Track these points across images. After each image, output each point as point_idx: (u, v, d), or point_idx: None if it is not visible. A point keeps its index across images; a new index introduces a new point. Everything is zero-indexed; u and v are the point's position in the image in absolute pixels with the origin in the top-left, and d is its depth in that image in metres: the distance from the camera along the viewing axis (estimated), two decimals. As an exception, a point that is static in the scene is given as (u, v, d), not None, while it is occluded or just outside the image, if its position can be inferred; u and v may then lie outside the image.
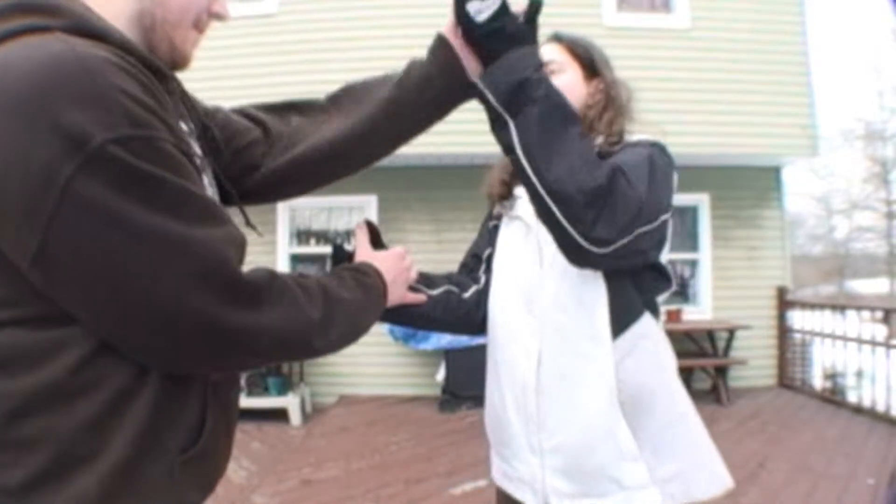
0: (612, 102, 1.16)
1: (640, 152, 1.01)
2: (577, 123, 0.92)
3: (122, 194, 0.54)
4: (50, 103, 0.52)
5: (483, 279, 1.26)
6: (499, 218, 1.25)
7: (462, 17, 0.86)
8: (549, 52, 1.17)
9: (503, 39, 0.87)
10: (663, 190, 0.99)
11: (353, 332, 0.81)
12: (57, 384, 0.57)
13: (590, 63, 1.18)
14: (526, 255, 1.14)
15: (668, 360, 1.12)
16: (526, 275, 1.13)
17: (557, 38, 1.20)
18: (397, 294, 0.99)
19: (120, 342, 0.60)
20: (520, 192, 1.19)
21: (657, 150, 1.05)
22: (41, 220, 0.53)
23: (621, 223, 0.89)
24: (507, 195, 1.23)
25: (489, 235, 1.28)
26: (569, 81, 1.15)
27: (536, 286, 1.10)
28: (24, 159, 0.52)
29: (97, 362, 0.59)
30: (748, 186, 6.29)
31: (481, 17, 0.85)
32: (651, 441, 1.03)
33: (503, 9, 0.86)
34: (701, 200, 6.25)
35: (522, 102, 0.87)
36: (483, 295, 1.23)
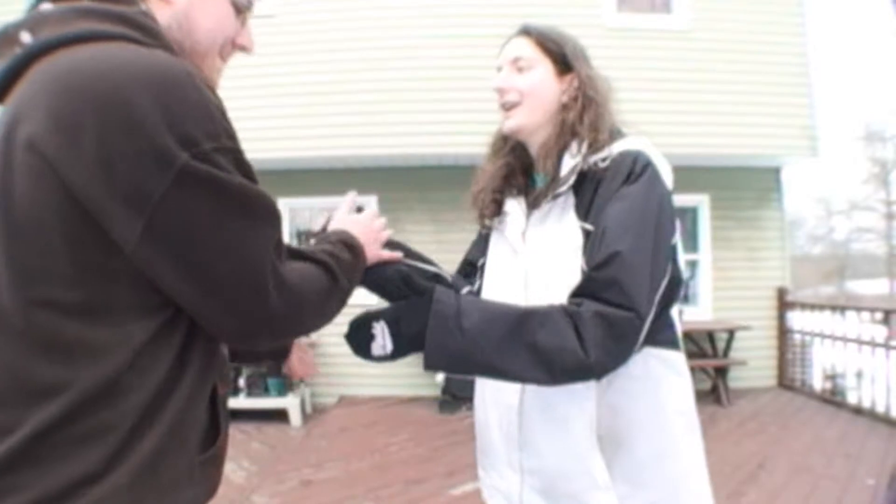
0: (591, 102, 1.07)
1: (645, 208, 0.94)
2: (519, 319, 0.91)
3: (223, 178, 0.63)
4: (167, 107, 0.59)
5: (477, 285, 1.23)
6: (490, 226, 1.21)
7: (379, 361, 0.99)
8: (518, 47, 1.10)
9: (415, 343, 0.94)
10: (665, 248, 0.96)
11: (347, 293, 0.89)
12: (112, 379, 0.61)
13: (562, 57, 1.09)
14: (512, 278, 1.09)
15: (662, 395, 1.04)
16: (512, 299, 1.07)
17: (526, 32, 1.12)
18: (372, 254, 1.05)
19: (204, 307, 0.66)
20: (510, 207, 1.15)
21: (662, 188, 0.97)
22: (152, 199, 0.59)
23: (631, 345, 0.91)
24: (497, 212, 1.17)
25: (483, 243, 1.24)
26: (539, 78, 1.09)
27: None
28: (140, 150, 0.58)
29: (144, 361, 0.63)
30: (748, 187, 6.29)
31: (389, 349, 0.97)
32: (627, 475, 1.00)
33: (393, 326, 0.96)
34: (701, 201, 6.25)
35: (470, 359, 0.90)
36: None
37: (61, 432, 0.58)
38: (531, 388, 1.05)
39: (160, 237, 0.60)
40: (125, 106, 0.57)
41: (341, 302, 0.84)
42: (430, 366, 0.90)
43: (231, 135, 0.65)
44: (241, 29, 0.79)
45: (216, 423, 0.73)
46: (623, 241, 0.91)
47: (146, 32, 0.65)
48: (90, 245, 0.60)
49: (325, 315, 0.81)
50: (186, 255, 0.62)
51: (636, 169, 0.97)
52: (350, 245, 0.93)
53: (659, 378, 1.03)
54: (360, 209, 1.12)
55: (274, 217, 0.69)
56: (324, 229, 1.07)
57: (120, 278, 0.61)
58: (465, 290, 1.22)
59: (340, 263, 0.84)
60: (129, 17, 0.64)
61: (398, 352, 0.95)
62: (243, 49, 0.81)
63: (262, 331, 0.70)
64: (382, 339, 0.95)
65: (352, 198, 1.11)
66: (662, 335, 1.04)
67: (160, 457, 0.63)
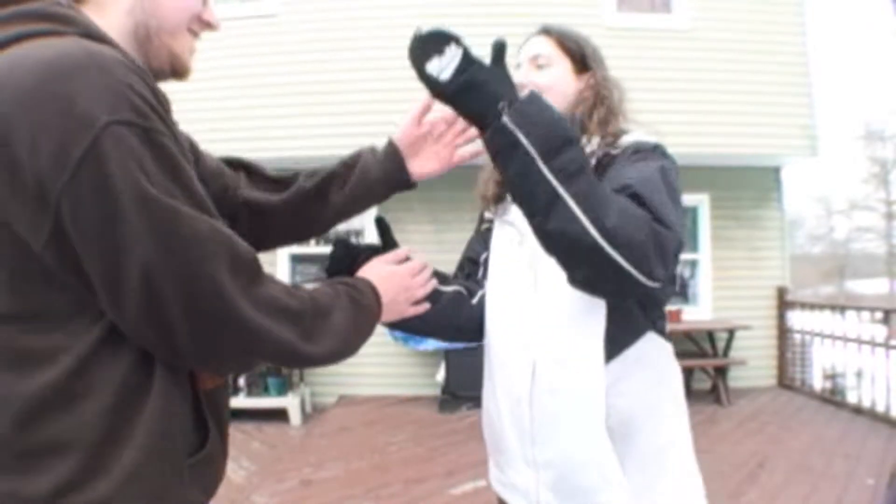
0: (602, 100, 1.09)
1: (653, 174, 0.93)
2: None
3: (126, 169, 0.58)
4: (61, 92, 0.57)
5: (486, 284, 1.21)
6: (491, 220, 1.21)
7: (426, 80, 0.84)
8: (538, 45, 1.13)
9: (475, 90, 0.82)
10: (680, 209, 0.95)
11: (339, 351, 0.80)
12: (59, 386, 0.59)
13: (581, 57, 1.12)
14: (519, 264, 1.09)
15: (665, 384, 1.06)
16: (519, 285, 1.07)
17: (546, 31, 1.14)
18: (395, 311, 0.98)
19: (124, 322, 0.61)
20: None
21: (667, 162, 0.98)
22: (53, 200, 0.56)
23: (670, 261, 0.86)
24: (501, 198, 1.18)
25: (483, 239, 1.23)
26: (557, 76, 1.10)
27: (530, 299, 1.05)
28: (38, 143, 0.56)
29: (94, 367, 0.61)
30: (748, 186, 6.29)
31: (445, 76, 0.81)
32: (639, 465, 1.00)
33: (465, 59, 0.82)
34: (701, 200, 6.25)
35: (568, 155, 0.81)
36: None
37: (18, 441, 0.58)
38: (539, 376, 1.04)
39: (64, 241, 0.58)
40: (26, 107, 0.56)
41: (299, 360, 0.76)
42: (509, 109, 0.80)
43: (141, 112, 0.59)
44: (204, 7, 0.78)
45: (203, 422, 0.71)
46: (632, 178, 0.90)
47: (58, 21, 0.64)
48: (10, 249, 0.59)
49: (276, 361, 0.75)
50: (91, 264, 0.59)
51: (644, 148, 1.01)
52: (357, 300, 0.85)
53: (657, 361, 1.05)
54: (384, 226, 1.09)
55: (179, 235, 0.60)
56: (354, 256, 1.03)
57: (53, 282, 0.60)
58: (479, 294, 1.20)
59: (325, 320, 0.76)
60: (34, 12, 0.64)
61: (451, 83, 0.81)
62: (210, 26, 0.79)
63: (187, 363, 0.67)
64: (448, 61, 0.81)
65: (404, 252, 1.05)
66: (660, 324, 1.06)
67: (144, 463, 0.62)
